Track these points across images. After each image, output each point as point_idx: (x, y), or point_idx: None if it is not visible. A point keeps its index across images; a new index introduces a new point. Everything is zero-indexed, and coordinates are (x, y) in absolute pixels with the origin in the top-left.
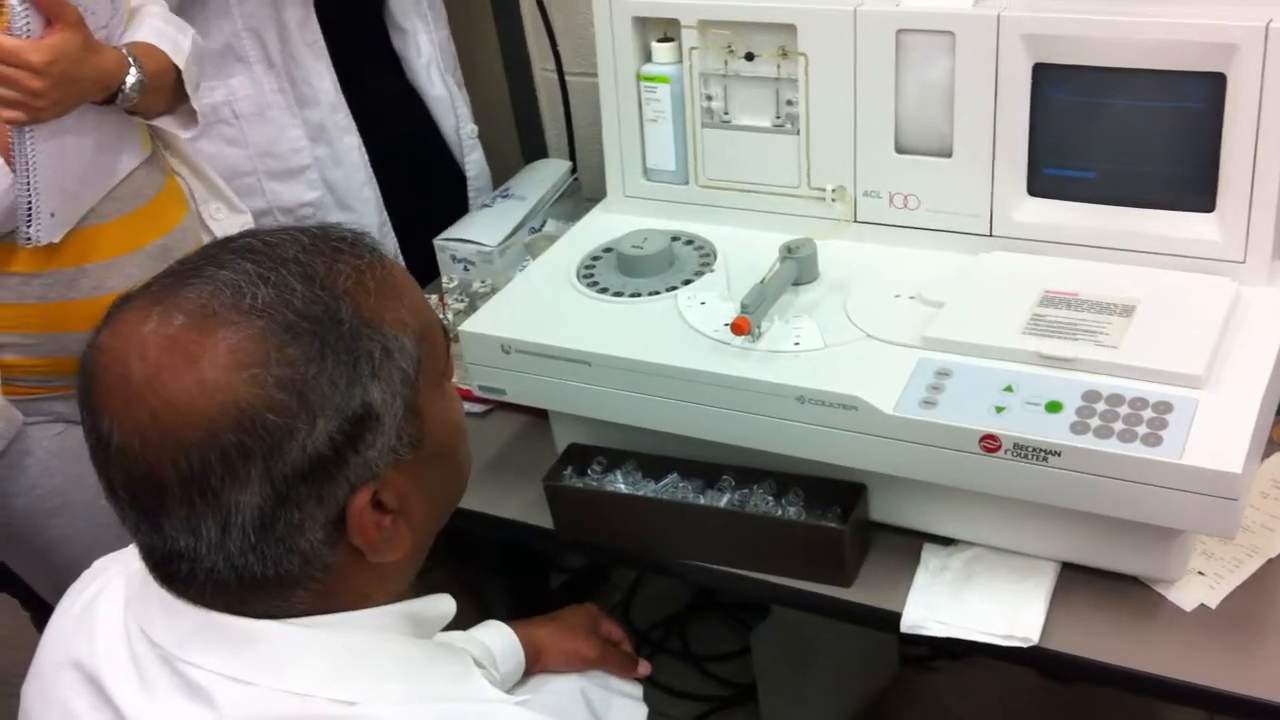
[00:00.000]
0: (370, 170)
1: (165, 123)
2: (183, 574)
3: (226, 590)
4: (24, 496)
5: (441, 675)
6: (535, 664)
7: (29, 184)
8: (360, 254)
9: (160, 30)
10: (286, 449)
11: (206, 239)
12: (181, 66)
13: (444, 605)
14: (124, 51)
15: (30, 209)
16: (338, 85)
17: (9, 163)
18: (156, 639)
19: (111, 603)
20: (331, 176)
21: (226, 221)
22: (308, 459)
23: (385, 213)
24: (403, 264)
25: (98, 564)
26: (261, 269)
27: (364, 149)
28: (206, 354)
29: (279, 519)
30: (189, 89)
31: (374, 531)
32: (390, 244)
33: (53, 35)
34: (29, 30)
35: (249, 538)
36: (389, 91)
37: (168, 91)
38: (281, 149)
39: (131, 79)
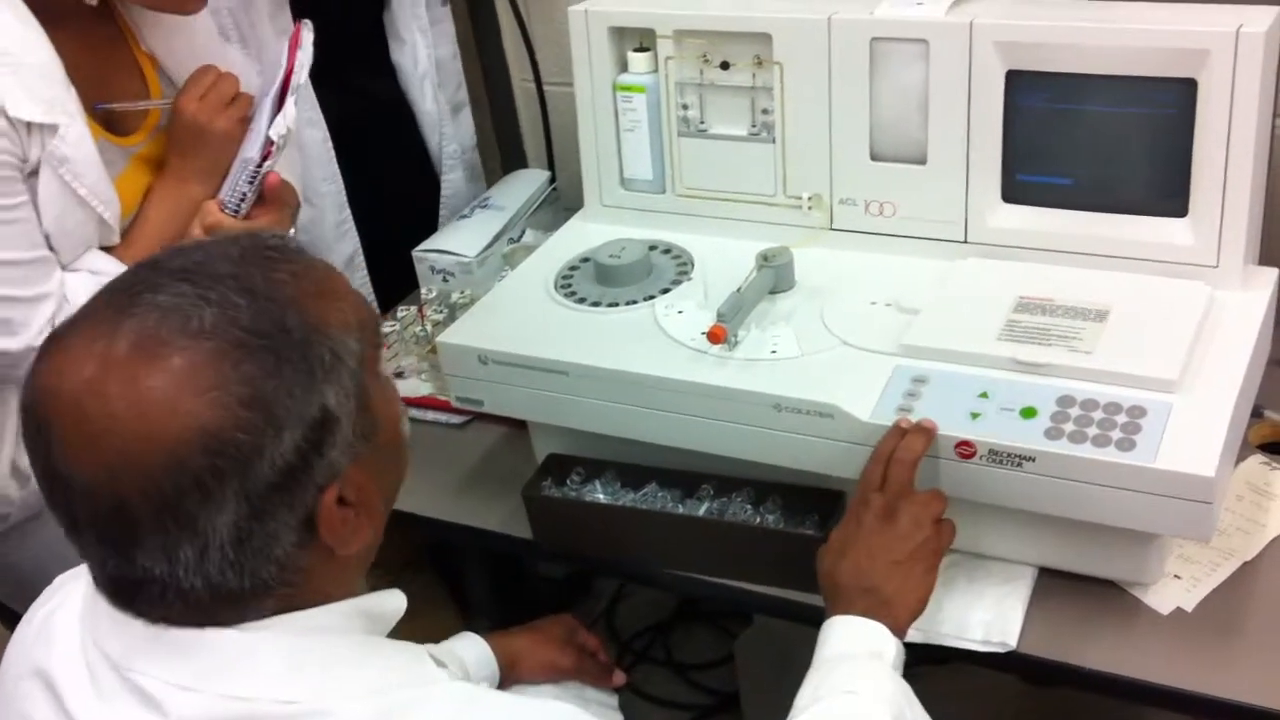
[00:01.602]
0: (335, 167)
1: None
2: (152, 597)
3: (197, 607)
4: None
5: (391, 668)
6: (511, 674)
7: None
8: (292, 259)
9: (293, 162)
10: (257, 465)
11: None
12: (302, 201)
13: (394, 601)
14: (292, 208)
15: None
16: (307, 78)
17: None
18: (106, 650)
19: (69, 614)
20: None
21: None
22: (278, 471)
23: (347, 210)
24: (365, 270)
25: (58, 580)
26: (199, 289)
27: (331, 145)
28: (164, 383)
29: (255, 532)
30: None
31: (343, 527)
32: (349, 243)
33: (265, 218)
34: (243, 209)
35: (227, 555)
36: (379, 99)
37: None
38: None
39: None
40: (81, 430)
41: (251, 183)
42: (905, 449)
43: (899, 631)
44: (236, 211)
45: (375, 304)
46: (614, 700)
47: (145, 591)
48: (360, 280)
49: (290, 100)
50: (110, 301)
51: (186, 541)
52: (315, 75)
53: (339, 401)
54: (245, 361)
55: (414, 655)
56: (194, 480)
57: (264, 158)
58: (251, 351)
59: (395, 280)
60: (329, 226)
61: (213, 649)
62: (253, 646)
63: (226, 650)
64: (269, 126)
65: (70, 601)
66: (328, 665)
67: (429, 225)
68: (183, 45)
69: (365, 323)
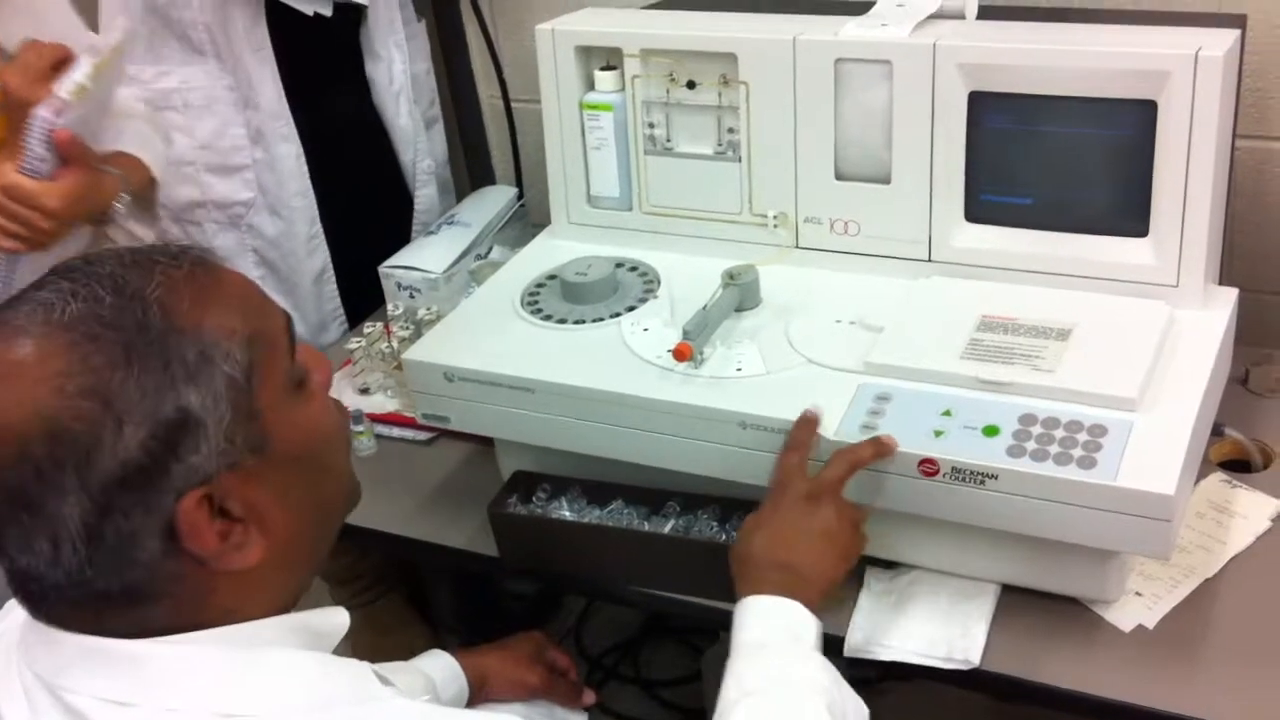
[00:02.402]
0: (308, 182)
1: (129, 223)
2: (33, 595)
3: (81, 609)
4: None
5: (334, 684)
6: (480, 692)
7: (4, 296)
8: (181, 264)
9: (146, 138)
10: (96, 456)
11: None
12: (159, 178)
13: (337, 617)
14: (118, 174)
15: None
16: (282, 94)
17: None
18: (39, 670)
19: (9, 639)
20: (265, 180)
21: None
22: (121, 465)
23: (319, 225)
24: (334, 284)
25: (9, 604)
26: (74, 284)
27: (304, 159)
28: (15, 370)
29: (105, 530)
30: (158, 194)
31: (213, 539)
32: (319, 258)
33: (67, 178)
34: (41, 169)
35: (79, 551)
36: (353, 115)
37: (143, 201)
38: (223, 144)
39: (121, 204)
40: None
41: (44, 142)
42: (853, 451)
43: (812, 608)
44: (35, 172)
45: (344, 318)
46: (583, 719)
47: (26, 589)
48: (330, 294)
49: (88, 59)
50: (13, 296)
51: (39, 533)
52: (290, 91)
53: (204, 405)
54: (95, 354)
55: (357, 672)
56: (35, 467)
57: (55, 115)
58: (103, 344)
59: (368, 295)
60: (300, 241)
61: (146, 662)
62: (189, 659)
63: (161, 663)
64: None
65: (13, 626)
66: (268, 679)
67: (402, 240)
68: (28, 28)
69: (264, 335)
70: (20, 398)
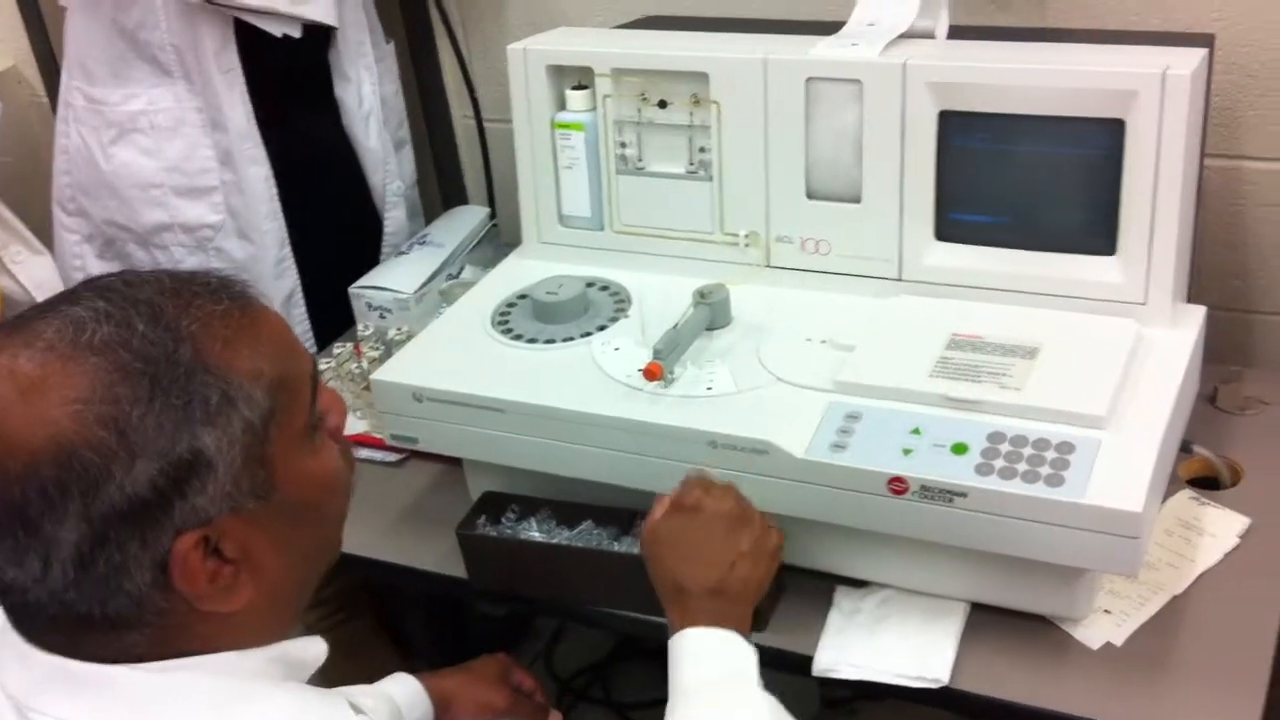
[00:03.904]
0: (277, 205)
1: None
2: (15, 607)
3: (60, 629)
4: None
5: (308, 716)
6: (445, 715)
7: None
8: (220, 299)
9: None
10: (104, 488)
11: (6, 282)
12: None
13: (314, 647)
14: None
15: None
16: (251, 116)
17: None
18: (10, 689)
19: None
20: (234, 203)
21: (29, 263)
22: (126, 499)
23: (288, 248)
24: (304, 308)
25: None
26: (112, 306)
27: (273, 182)
28: (37, 387)
29: (98, 558)
30: None
31: (203, 580)
32: (288, 281)
33: None
34: None
35: (69, 574)
36: (322, 136)
37: None
38: (191, 167)
39: None
40: None
41: None
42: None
43: (746, 627)
44: None
45: (313, 342)
46: None
47: (10, 598)
48: (299, 317)
49: None
50: (44, 303)
51: (32, 550)
52: (259, 113)
53: (218, 447)
54: (119, 384)
55: (332, 702)
56: (40, 488)
57: None
58: (129, 375)
59: (337, 318)
60: (268, 264)
61: (120, 688)
62: (164, 688)
63: (135, 691)
64: None
65: None
66: (245, 712)
67: (371, 263)
68: None
69: (289, 380)
70: (39, 417)
